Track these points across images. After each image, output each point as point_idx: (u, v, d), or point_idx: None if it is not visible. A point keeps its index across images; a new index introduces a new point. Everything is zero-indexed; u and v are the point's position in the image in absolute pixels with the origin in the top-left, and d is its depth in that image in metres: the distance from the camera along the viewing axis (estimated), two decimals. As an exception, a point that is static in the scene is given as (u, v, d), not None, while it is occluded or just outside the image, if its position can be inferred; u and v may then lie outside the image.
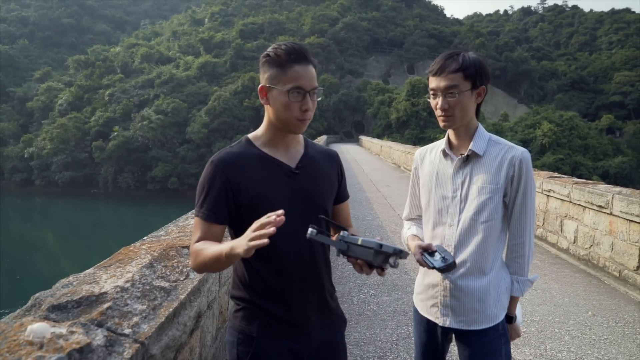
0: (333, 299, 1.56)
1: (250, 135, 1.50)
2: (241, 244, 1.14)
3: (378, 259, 1.21)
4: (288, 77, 1.35)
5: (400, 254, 1.20)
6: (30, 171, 52.78)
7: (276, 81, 1.37)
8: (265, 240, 1.09)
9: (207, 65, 63.23)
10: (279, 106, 1.38)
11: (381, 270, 1.25)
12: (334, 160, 1.60)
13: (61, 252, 31.38)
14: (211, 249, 1.28)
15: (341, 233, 1.27)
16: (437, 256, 1.54)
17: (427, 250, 1.58)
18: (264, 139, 1.47)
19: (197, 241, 1.36)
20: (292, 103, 1.35)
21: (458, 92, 1.56)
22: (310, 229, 1.21)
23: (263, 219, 1.13)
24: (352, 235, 1.30)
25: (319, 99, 1.42)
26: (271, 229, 1.10)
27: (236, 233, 1.41)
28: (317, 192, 1.48)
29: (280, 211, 1.13)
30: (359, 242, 1.23)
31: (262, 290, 1.42)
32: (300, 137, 1.54)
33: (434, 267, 1.53)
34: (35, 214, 43.66)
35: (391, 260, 1.21)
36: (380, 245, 1.20)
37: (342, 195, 1.61)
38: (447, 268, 1.52)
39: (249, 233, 1.13)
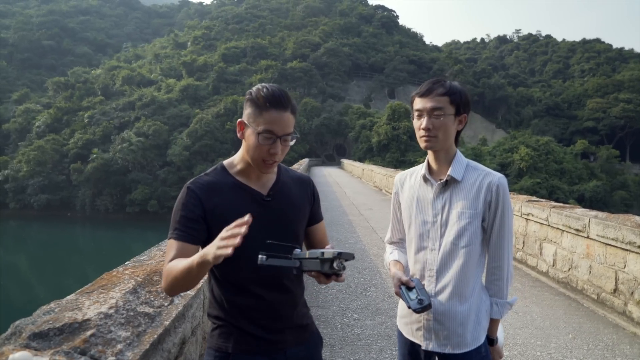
0: (307, 317, 1.60)
1: (226, 163, 1.54)
2: (210, 251, 1.17)
3: (325, 266, 1.26)
4: (262, 119, 1.40)
5: (340, 256, 1.26)
6: (5, 194, 51.35)
7: (252, 120, 1.42)
8: (229, 251, 1.11)
9: (189, 88, 63.23)
10: (249, 144, 1.43)
11: (336, 276, 1.30)
12: (307, 186, 1.64)
13: (36, 278, 30.37)
14: (182, 263, 1.29)
15: (294, 251, 1.31)
16: (414, 295, 1.59)
17: (407, 285, 1.62)
18: (238, 167, 1.52)
19: (170, 260, 1.36)
20: (261, 145, 1.40)
21: (443, 114, 1.62)
22: (260, 256, 1.24)
23: (231, 226, 1.15)
24: (312, 250, 1.35)
25: (292, 143, 1.47)
26: (237, 240, 1.12)
27: None
28: (288, 218, 1.52)
29: (247, 217, 1.15)
30: (307, 256, 1.29)
31: (236, 309, 1.46)
32: None
33: (409, 307, 1.58)
34: (9, 238, 42.30)
35: (335, 264, 1.26)
36: (322, 253, 1.26)
37: (315, 217, 1.65)
38: (422, 310, 1.57)
39: (217, 241, 1.16)
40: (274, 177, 1.56)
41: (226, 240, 1.13)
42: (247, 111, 1.44)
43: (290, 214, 1.53)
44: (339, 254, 1.25)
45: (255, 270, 1.40)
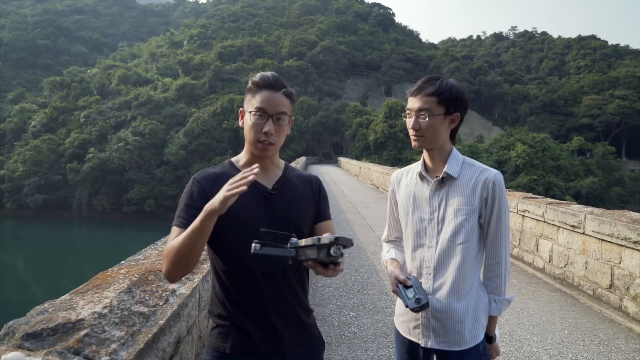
0: (309, 318, 1.58)
1: (233, 159, 1.58)
2: (216, 199, 1.22)
3: (322, 253, 1.20)
4: (255, 100, 1.47)
5: (337, 240, 1.18)
6: (1, 194, 51.12)
7: (248, 104, 1.49)
8: (238, 191, 1.19)
9: (185, 87, 63.03)
10: (246, 127, 1.49)
11: (334, 265, 1.24)
12: (313, 184, 1.64)
13: (32, 278, 30.29)
14: (183, 233, 1.31)
15: (290, 240, 1.25)
16: (411, 294, 1.58)
17: (404, 284, 1.62)
18: (243, 161, 1.55)
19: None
20: (254, 124, 1.45)
21: (429, 114, 1.62)
22: (253, 244, 1.18)
23: (238, 176, 1.22)
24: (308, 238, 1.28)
25: (287, 124, 1.50)
26: (244, 187, 1.19)
27: (212, 247, 1.47)
28: (292, 213, 1.52)
29: (255, 167, 1.22)
30: (303, 244, 1.22)
31: (236, 307, 1.45)
32: (281, 162, 1.61)
33: (406, 306, 1.58)
34: (5, 238, 42.14)
35: (332, 250, 1.19)
36: (319, 239, 1.20)
37: (321, 215, 1.64)
38: (419, 309, 1.56)
39: (225, 186, 1.22)
40: (280, 173, 1.57)
41: (235, 184, 1.19)
42: (245, 99, 1.52)
43: (293, 209, 1.53)
44: (336, 238, 1.19)
45: (257, 263, 1.41)
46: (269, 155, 1.51)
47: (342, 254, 1.21)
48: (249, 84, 1.51)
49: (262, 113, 1.45)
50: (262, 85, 1.47)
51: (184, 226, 1.39)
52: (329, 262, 1.23)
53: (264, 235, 1.27)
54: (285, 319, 1.48)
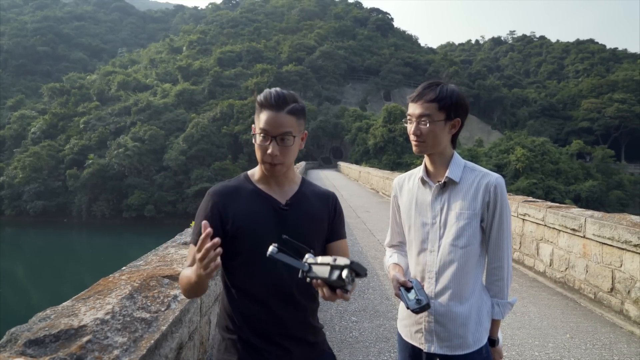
0: (318, 336, 1.56)
1: (249, 172, 1.57)
2: (196, 273, 1.25)
3: (334, 274, 1.17)
4: (259, 120, 1.44)
5: (351, 264, 1.16)
6: (1, 201, 51.06)
7: (256, 122, 1.47)
8: (211, 271, 1.19)
9: (185, 92, 63.11)
10: (255, 147, 1.47)
11: (343, 291, 1.19)
12: (329, 200, 1.62)
13: (32, 284, 30.21)
14: (187, 274, 1.35)
15: (306, 255, 1.25)
16: (412, 295, 1.58)
17: (405, 286, 1.62)
18: (258, 176, 1.54)
19: (187, 267, 1.42)
20: (259, 145, 1.44)
21: (430, 120, 1.63)
22: (271, 247, 1.19)
23: (200, 245, 1.19)
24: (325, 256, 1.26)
25: (292, 144, 1.44)
26: (217, 262, 1.19)
27: (222, 260, 1.45)
28: (305, 229, 1.50)
29: (208, 229, 1.18)
30: (319, 261, 1.21)
31: (244, 321, 1.44)
32: (298, 176, 1.59)
33: (407, 307, 1.58)
34: (5, 245, 42.03)
35: (345, 274, 1.15)
36: (335, 259, 1.18)
37: (334, 234, 1.61)
38: (420, 310, 1.57)
39: (198, 263, 1.21)
40: (296, 188, 1.55)
41: (205, 262, 1.18)
42: (255, 114, 1.49)
43: (307, 225, 1.51)
44: (351, 262, 1.16)
45: (268, 277, 1.41)
46: (277, 175, 1.49)
47: (353, 280, 1.18)
48: (257, 101, 1.46)
49: (265, 134, 1.42)
50: (265, 105, 1.43)
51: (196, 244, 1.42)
52: (337, 286, 1.19)
53: (285, 242, 1.26)
54: (293, 336, 1.47)
